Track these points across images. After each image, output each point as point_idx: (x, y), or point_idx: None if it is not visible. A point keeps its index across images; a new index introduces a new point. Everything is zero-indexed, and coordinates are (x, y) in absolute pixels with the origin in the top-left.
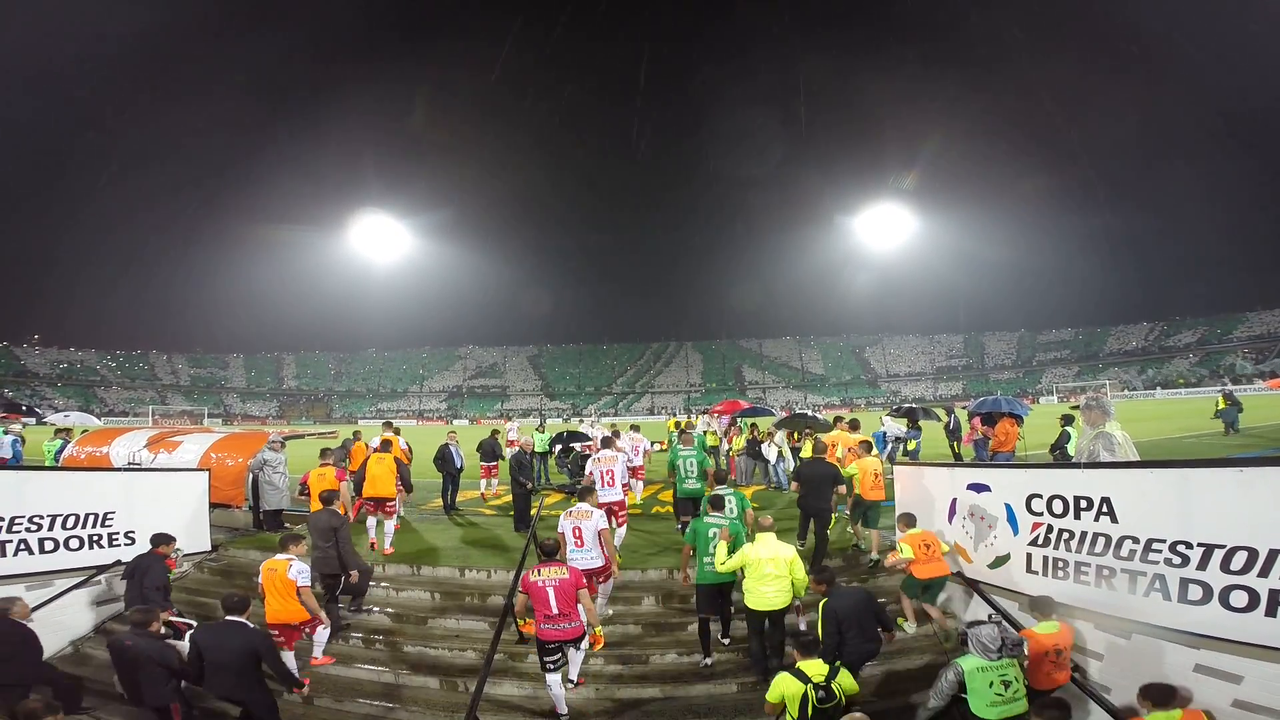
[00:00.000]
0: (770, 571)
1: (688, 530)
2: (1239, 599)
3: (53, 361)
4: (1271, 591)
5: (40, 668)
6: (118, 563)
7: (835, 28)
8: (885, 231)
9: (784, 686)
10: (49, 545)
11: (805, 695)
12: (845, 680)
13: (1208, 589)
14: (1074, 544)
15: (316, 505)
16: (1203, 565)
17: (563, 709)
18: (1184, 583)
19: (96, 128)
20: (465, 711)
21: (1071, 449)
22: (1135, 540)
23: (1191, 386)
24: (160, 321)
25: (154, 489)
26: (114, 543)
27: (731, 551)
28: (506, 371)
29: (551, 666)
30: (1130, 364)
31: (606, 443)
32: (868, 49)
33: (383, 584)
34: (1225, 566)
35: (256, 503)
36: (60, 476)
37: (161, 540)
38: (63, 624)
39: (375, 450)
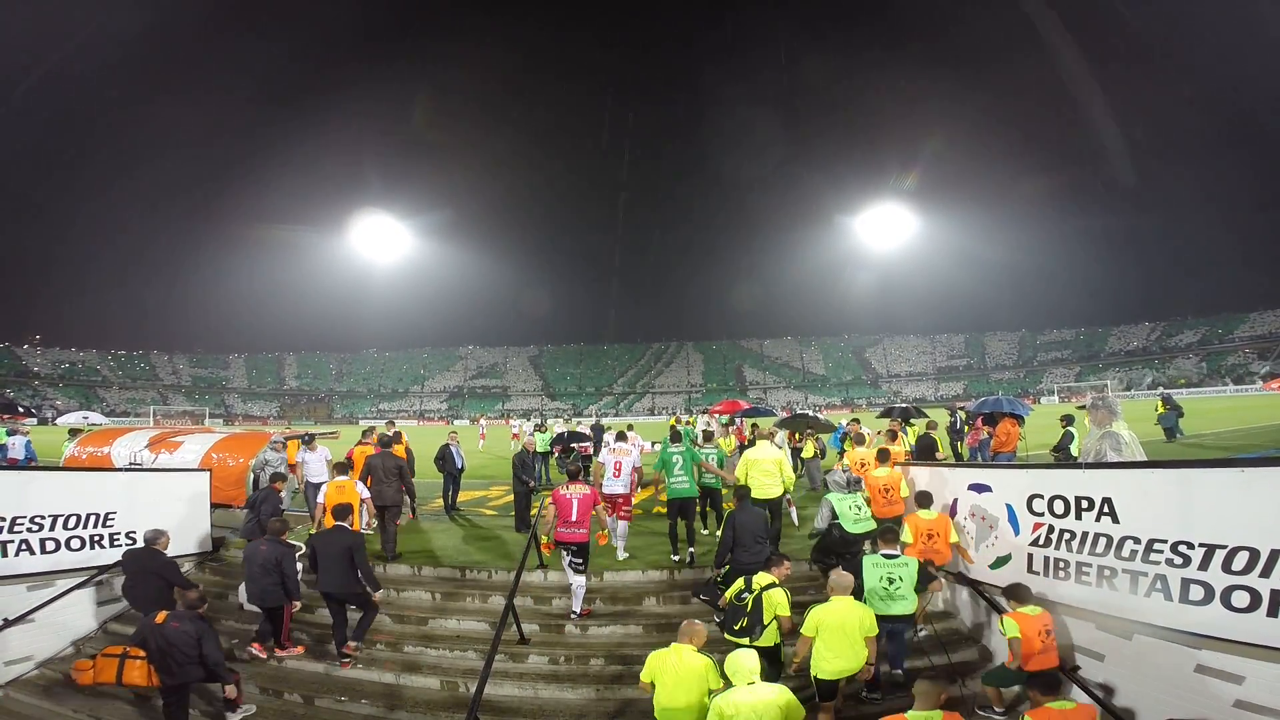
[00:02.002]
0: (766, 469)
1: (658, 460)
2: (1240, 599)
3: (54, 361)
4: (1273, 592)
5: (169, 593)
6: (119, 563)
7: (836, 27)
8: (886, 231)
9: (734, 587)
10: (50, 545)
11: (735, 594)
12: (774, 597)
13: (1209, 589)
14: (1075, 544)
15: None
16: (1204, 565)
17: (578, 608)
18: (1185, 583)
19: (97, 128)
20: (466, 713)
21: (1075, 449)
22: (1137, 541)
23: (1194, 386)
24: (161, 321)
25: (155, 489)
26: (115, 543)
27: (686, 472)
28: (507, 372)
29: (580, 566)
30: (1132, 364)
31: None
32: (868, 49)
33: (383, 584)
34: (1227, 567)
35: None
36: (62, 477)
37: (278, 478)
38: (64, 624)
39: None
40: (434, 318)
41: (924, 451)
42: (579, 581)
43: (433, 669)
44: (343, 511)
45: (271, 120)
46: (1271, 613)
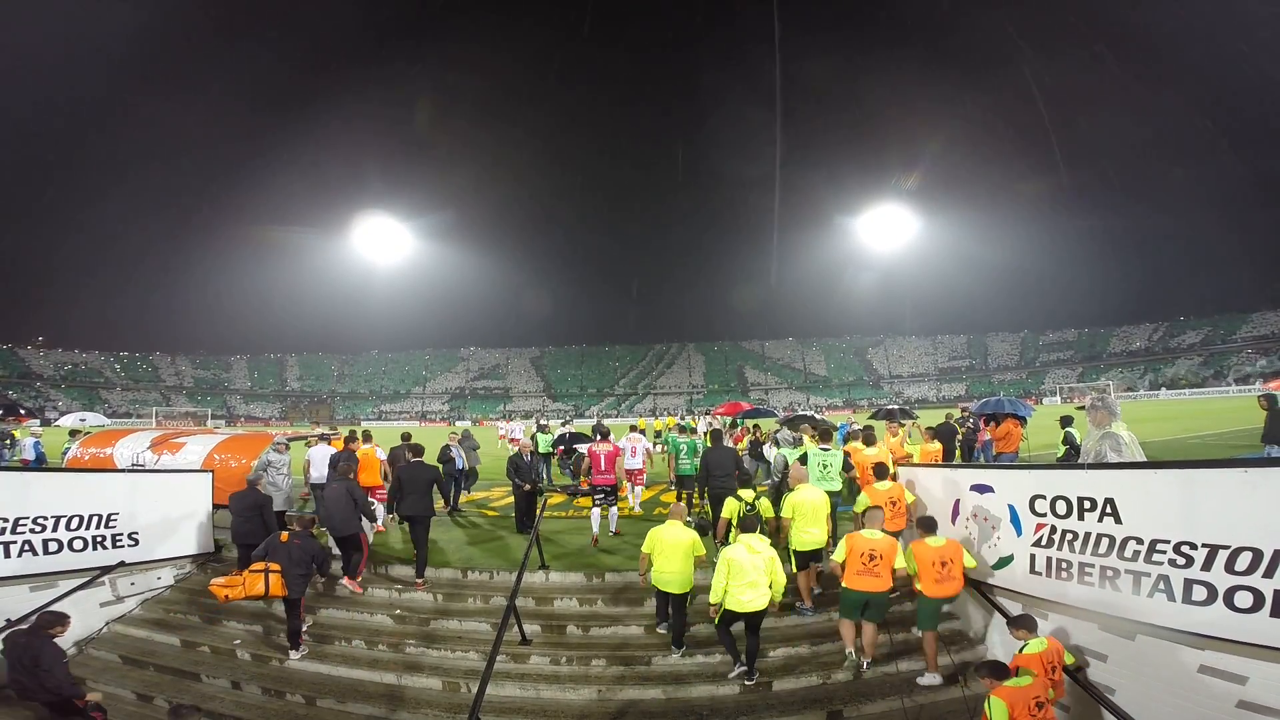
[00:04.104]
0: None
1: (670, 445)
2: (1244, 600)
3: (57, 363)
4: (1276, 592)
5: (265, 525)
6: (121, 564)
7: (837, 29)
8: (887, 232)
9: (730, 506)
10: (53, 546)
11: (739, 509)
12: (763, 504)
13: (1212, 590)
14: (1078, 545)
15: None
16: (1207, 566)
17: (614, 528)
18: (1188, 583)
19: (100, 131)
20: (467, 713)
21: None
22: (1139, 541)
23: (1196, 387)
24: (164, 323)
25: (158, 490)
26: (117, 544)
27: (689, 456)
28: (509, 373)
29: (601, 501)
30: (1134, 365)
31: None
32: (870, 50)
33: (385, 585)
34: (1230, 567)
35: None
36: (64, 478)
37: (353, 439)
38: None
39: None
40: (435, 319)
41: (945, 436)
42: (613, 514)
43: (434, 669)
44: (418, 449)
45: (273, 123)
46: (1275, 613)
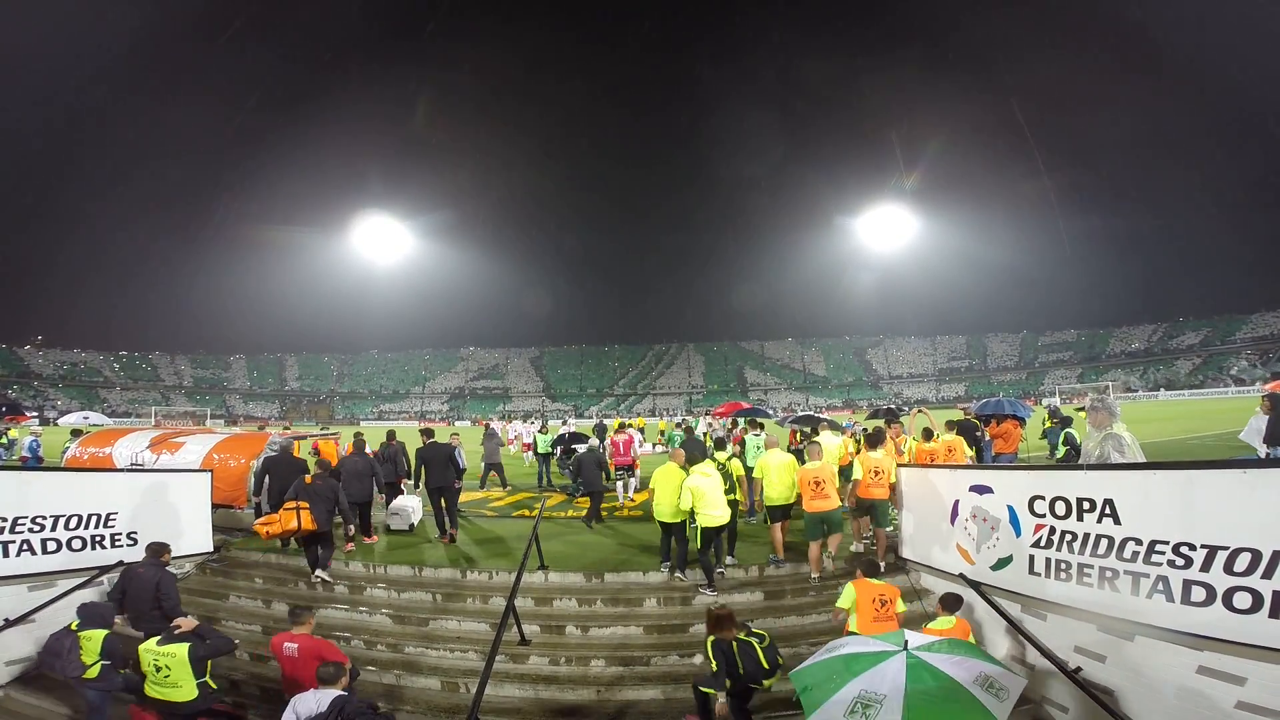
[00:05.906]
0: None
1: (667, 439)
2: (1242, 600)
3: (56, 362)
4: (1275, 593)
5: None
6: (120, 563)
7: (837, 29)
8: (887, 233)
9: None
10: (51, 546)
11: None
12: (733, 464)
13: (1211, 591)
14: (1077, 546)
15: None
16: (1206, 567)
17: (632, 494)
18: (1187, 584)
19: (99, 130)
20: (466, 713)
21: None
22: (1138, 542)
23: (1195, 388)
24: (163, 322)
25: (156, 490)
26: (116, 543)
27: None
28: (508, 373)
29: (626, 476)
30: (1133, 365)
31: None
32: (869, 50)
33: (384, 585)
34: (1229, 568)
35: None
36: (64, 477)
37: (391, 435)
38: (66, 624)
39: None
40: (435, 319)
41: (966, 432)
42: (631, 484)
43: (433, 669)
44: (430, 431)
45: (273, 122)
46: (1273, 614)
